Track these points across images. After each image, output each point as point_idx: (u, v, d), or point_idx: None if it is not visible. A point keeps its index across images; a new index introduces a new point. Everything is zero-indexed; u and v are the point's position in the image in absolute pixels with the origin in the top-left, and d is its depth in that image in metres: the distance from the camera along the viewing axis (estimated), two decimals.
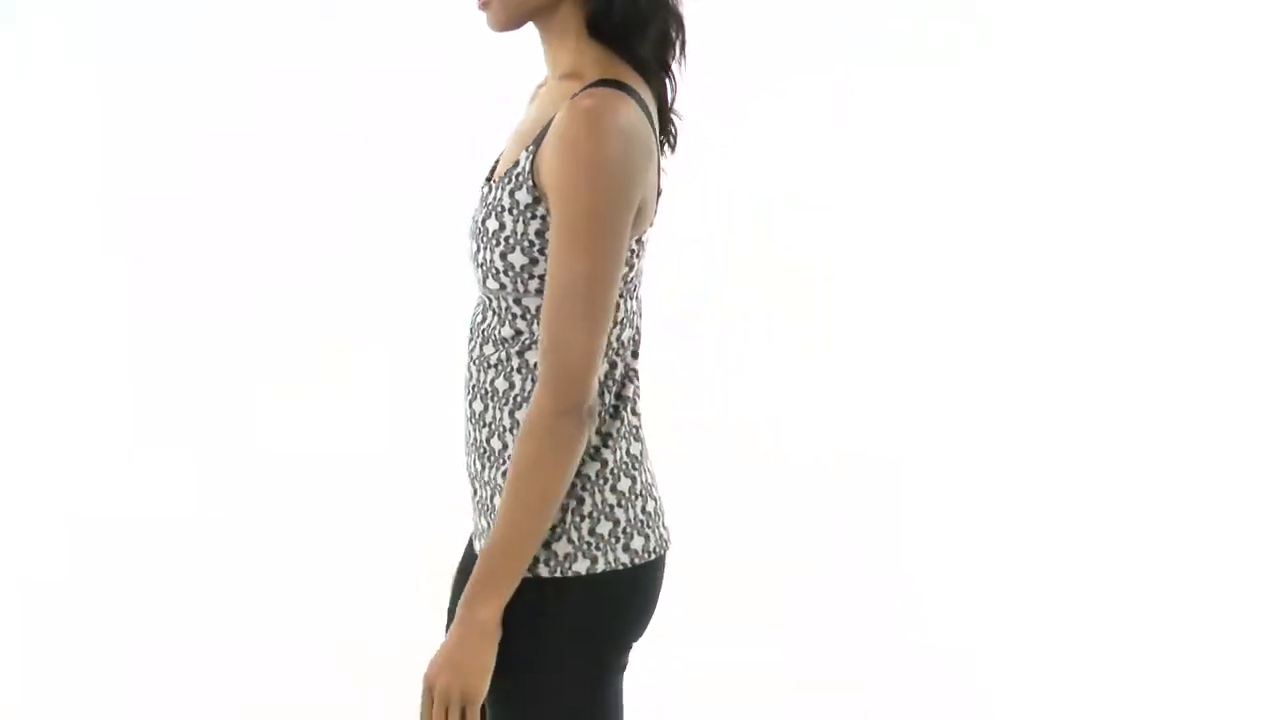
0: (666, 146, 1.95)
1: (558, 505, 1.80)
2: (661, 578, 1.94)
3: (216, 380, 4.22)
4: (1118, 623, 3.90)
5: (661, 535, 1.93)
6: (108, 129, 4.22)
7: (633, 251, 1.85)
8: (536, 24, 1.87)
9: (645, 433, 1.93)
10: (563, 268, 1.73)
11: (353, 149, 4.15)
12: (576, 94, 1.77)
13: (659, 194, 1.90)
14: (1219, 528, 4.16)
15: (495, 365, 1.87)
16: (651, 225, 1.89)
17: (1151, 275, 4.29)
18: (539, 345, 1.77)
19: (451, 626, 1.81)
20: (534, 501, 1.77)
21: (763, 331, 4.28)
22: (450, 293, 3.82)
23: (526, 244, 1.80)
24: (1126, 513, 4.18)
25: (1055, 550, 4.08)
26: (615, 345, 1.86)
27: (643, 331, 1.92)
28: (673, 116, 1.95)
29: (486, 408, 1.88)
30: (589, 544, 1.85)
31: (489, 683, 1.81)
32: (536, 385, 1.77)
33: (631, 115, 1.75)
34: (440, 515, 3.48)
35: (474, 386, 1.91)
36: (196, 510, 4.10)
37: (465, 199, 3.17)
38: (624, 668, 1.94)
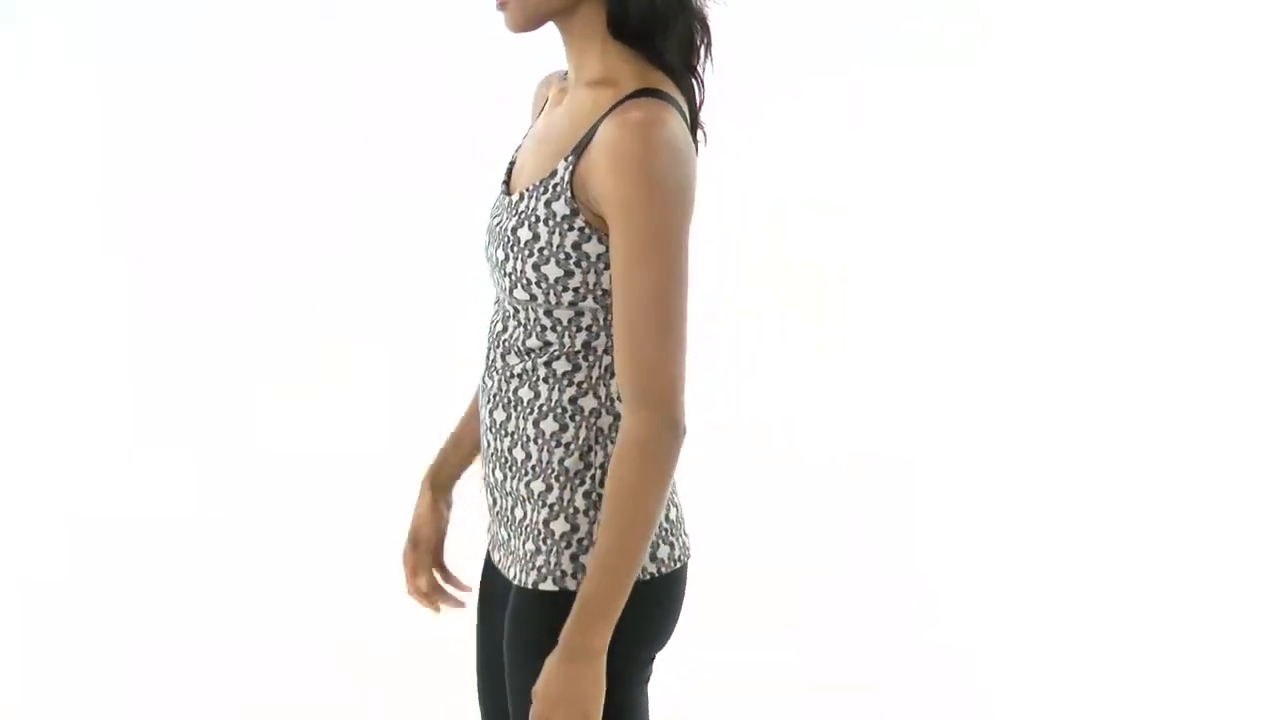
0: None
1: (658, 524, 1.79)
2: (685, 585, 1.90)
3: (216, 380, 4.23)
4: (1131, 623, 3.86)
5: (684, 543, 1.90)
6: (108, 129, 4.24)
7: None
8: (557, 25, 1.82)
9: None
10: (635, 286, 1.71)
11: (353, 149, 4.16)
12: (618, 104, 1.73)
13: None
14: (1232, 530, 4.12)
15: (519, 375, 1.84)
16: None
17: (1168, 273, 4.26)
18: (619, 368, 1.74)
19: (558, 659, 1.76)
20: (639, 524, 1.73)
21: (777, 332, 4.27)
22: (450, 292, 3.83)
23: (562, 256, 1.76)
24: (1140, 514, 4.14)
25: (1069, 551, 4.05)
26: None
27: None
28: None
29: (509, 417, 1.85)
30: None
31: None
32: (625, 409, 1.74)
33: (676, 125, 1.72)
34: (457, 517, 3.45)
35: (494, 396, 1.87)
36: (196, 510, 4.10)
37: (464, 199, 3.17)
38: (648, 678, 1.90)
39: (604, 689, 1.77)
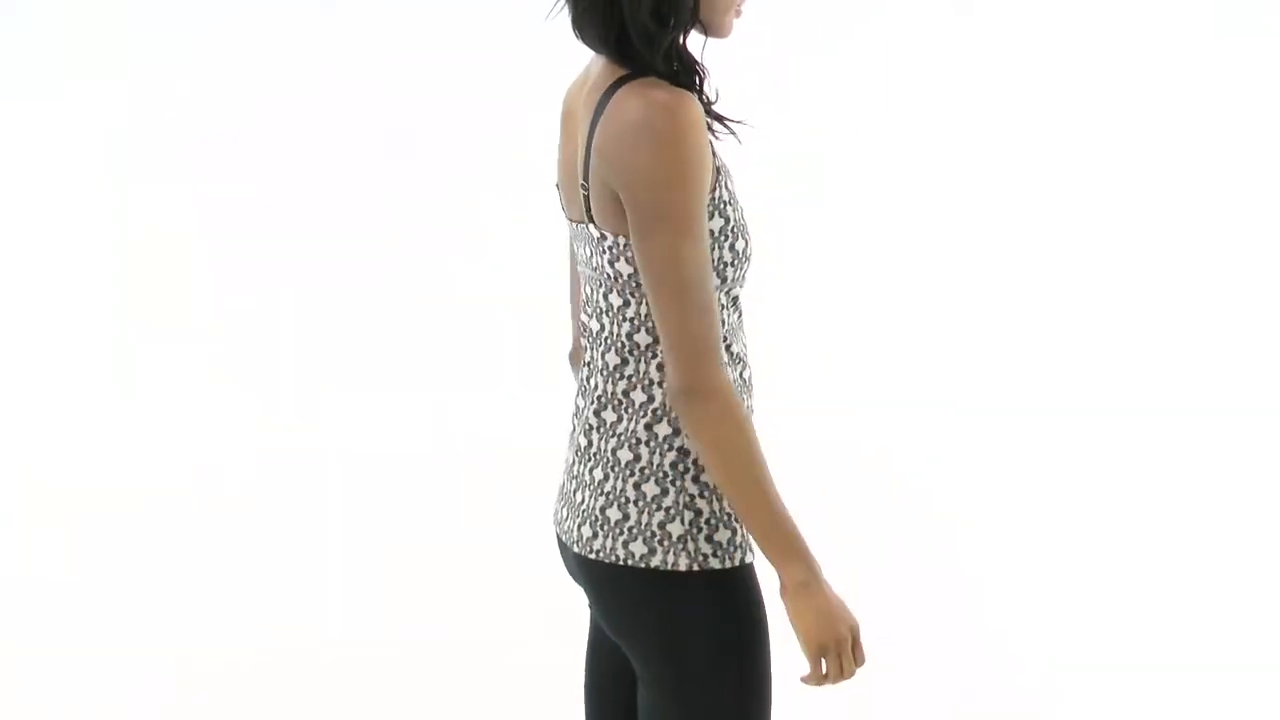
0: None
1: None
2: (565, 561, 1.90)
3: (216, 380, 4.24)
4: (1144, 622, 3.85)
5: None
6: (108, 130, 4.25)
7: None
8: None
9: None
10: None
11: (354, 149, 4.17)
12: None
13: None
14: (1251, 529, 4.11)
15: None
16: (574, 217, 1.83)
17: (1161, 261, 4.27)
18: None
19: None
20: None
21: (770, 327, 4.27)
22: (453, 292, 3.83)
23: None
24: (1152, 514, 4.13)
25: (1081, 550, 4.04)
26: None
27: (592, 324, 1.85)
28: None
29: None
30: None
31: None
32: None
33: None
34: (443, 516, 3.46)
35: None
36: (196, 509, 4.11)
37: (465, 200, 3.16)
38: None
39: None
